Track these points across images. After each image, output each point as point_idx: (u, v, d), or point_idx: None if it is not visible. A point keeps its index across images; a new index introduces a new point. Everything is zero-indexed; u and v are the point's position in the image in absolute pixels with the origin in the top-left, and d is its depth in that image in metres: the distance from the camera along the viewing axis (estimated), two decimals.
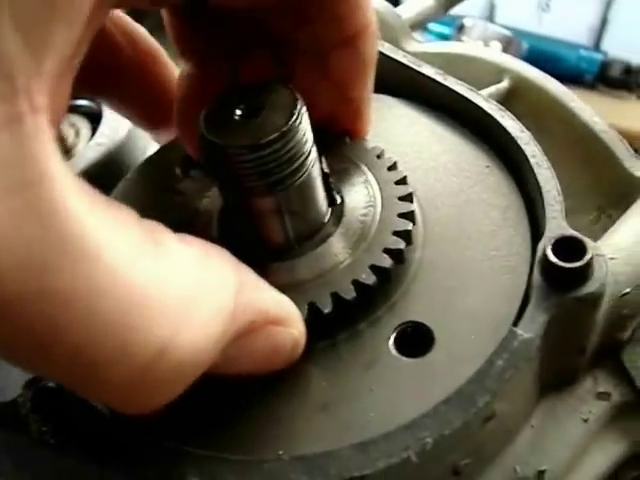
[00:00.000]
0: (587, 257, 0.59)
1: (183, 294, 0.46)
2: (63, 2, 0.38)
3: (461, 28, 2.23)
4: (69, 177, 0.41)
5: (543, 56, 2.34)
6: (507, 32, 2.20)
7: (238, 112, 0.60)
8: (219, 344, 0.48)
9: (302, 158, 0.60)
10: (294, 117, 0.58)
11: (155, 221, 0.49)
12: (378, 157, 0.72)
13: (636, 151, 0.86)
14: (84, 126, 1.01)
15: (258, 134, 0.58)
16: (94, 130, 1.00)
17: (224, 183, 0.63)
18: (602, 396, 0.70)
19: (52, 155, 0.39)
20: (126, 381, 0.43)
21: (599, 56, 2.37)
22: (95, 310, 0.40)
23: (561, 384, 0.69)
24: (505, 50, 2.21)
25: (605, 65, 2.36)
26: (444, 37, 2.31)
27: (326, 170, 0.66)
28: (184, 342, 0.45)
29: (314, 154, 0.62)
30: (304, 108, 0.60)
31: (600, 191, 0.84)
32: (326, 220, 0.67)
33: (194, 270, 0.48)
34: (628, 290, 0.68)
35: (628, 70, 2.44)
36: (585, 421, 0.68)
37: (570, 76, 2.33)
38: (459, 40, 2.25)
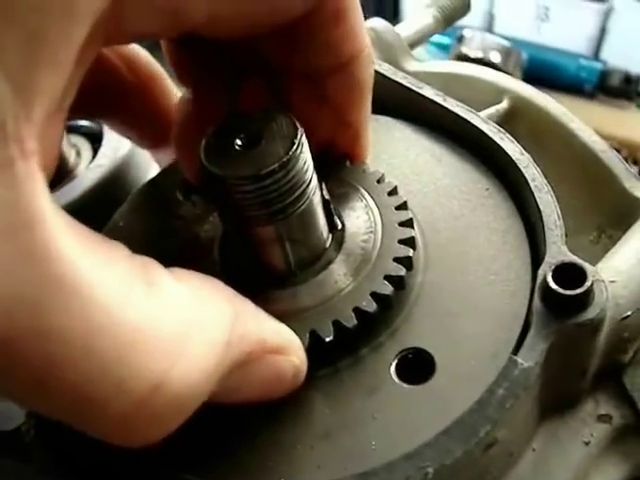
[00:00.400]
0: (587, 284, 0.59)
1: (176, 330, 0.46)
2: (49, 48, 0.39)
3: (460, 39, 2.23)
4: (60, 219, 0.42)
5: (542, 66, 2.35)
6: (506, 42, 2.20)
7: (238, 142, 0.60)
8: (214, 377, 0.49)
9: (303, 187, 0.60)
10: (294, 146, 0.58)
11: (147, 257, 0.50)
12: (378, 182, 0.72)
13: (635, 162, 0.87)
14: (85, 147, 1.02)
15: (259, 164, 0.58)
16: (95, 150, 1.01)
17: (224, 212, 0.64)
18: (603, 419, 0.70)
19: (43, 198, 0.40)
20: (122, 416, 0.44)
21: (598, 65, 2.37)
22: (90, 348, 0.41)
23: (562, 407, 0.69)
24: (505, 60, 2.22)
25: (604, 74, 2.36)
26: (443, 47, 2.31)
27: (327, 196, 0.66)
28: (178, 376, 0.46)
29: (315, 181, 0.62)
30: (304, 136, 0.60)
31: (600, 211, 0.84)
32: (327, 246, 0.68)
33: (187, 306, 0.49)
34: (629, 313, 0.68)
35: (628, 79, 2.44)
36: (587, 444, 0.68)
37: (570, 86, 2.34)
38: (458, 51, 2.24)
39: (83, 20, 0.42)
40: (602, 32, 2.38)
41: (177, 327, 0.47)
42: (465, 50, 2.24)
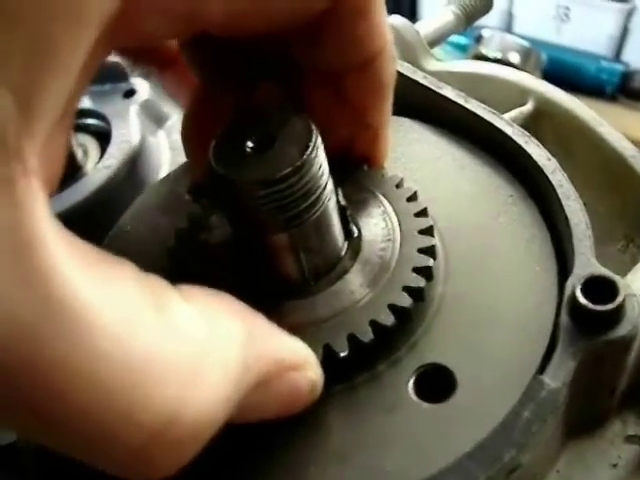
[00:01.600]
0: (619, 299, 0.56)
1: (188, 356, 0.43)
2: (55, 54, 0.36)
3: (479, 39, 2.19)
4: (62, 239, 0.39)
5: (562, 67, 2.30)
6: (526, 43, 2.16)
7: (250, 144, 0.57)
8: (231, 402, 0.46)
9: (318, 192, 0.57)
10: (309, 149, 0.55)
11: (155, 275, 0.46)
12: (397, 187, 0.69)
13: None
14: (92, 146, 1.00)
15: (272, 168, 0.54)
16: (102, 149, 0.98)
17: (234, 218, 0.60)
18: (632, 439, 0.66)
19: (44, 219, 0.37)
20: (134, 449, 0.41)
21: (620, 67, 2.32)
22: (96, 378, 0.38)
23: (589, 427, 0.65)
24: (524, 61, 2.18)
25: (626, 76, 2.32)
26: (461, 47, 2.28)
27: (342, 202, 0.63)
28: (194, 406, 0.42)
29: (330, 187, 0.59)
30: (319, 139, 0.57)
31: (628, 219, 0.81)
32: (343, 254, 0.64)
33: (198, 330, 0.45)
34: None
35: None
36: (614, 466, 0.65)
37: (590, 87, 2.29)
38: (477, 51, 2.21)
39: (92, 23, 0.38)
40: (624, 33, 2.33)
41: (189, 353, 0.43)
42: (483, 50, 2.20)
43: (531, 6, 2.49)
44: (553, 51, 2.34)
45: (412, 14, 2.71)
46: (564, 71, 2.34)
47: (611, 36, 2.36)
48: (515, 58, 2.16)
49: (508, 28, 2.50)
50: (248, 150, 0.56)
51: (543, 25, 2.45)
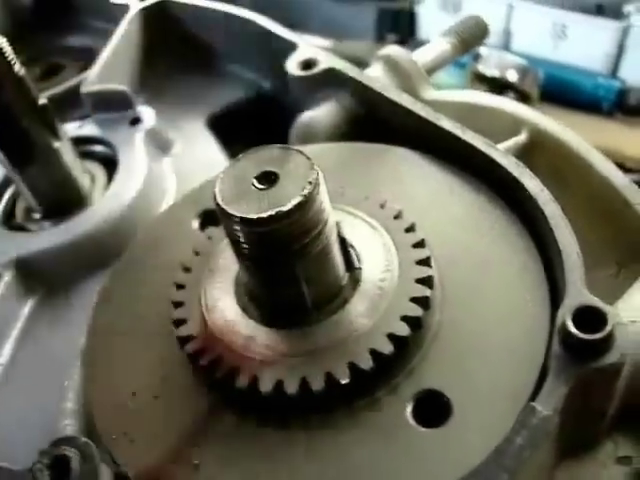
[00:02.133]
0: (608, 328, 0.58)
1: None
2: None
3: (477, 57, 2.21)
4: None
5: (560, 84, 2.33)
6: (523, 61, 2.18)
7: (254, 181, 0.59)
8: None
9: (320, 227, 0.60)
10: (311, 187, 0.58)
11: None
12: (395, 218, 0.71)
13: None
14: (99, 173, 1.02)
15: (275, 205, 0.57)
16: (109, 176, 1.00)
17: (239, 250, 0.63)
18: (623, 461, 0.68)
19: None
20: None
21: (616, 84, 2.34)
22: None
23: (581, 449, 0.68)
24: (521, 79, 2.20)
25: (623, 93, 2.33)
26: (460, 65, 2.30)
27: (343, 235, 0.66)
28: None
29: (332, 221, 0.62)
30: (321, 176, 0.59)
31: (620, 246, 0.83)
32: (343, 284, 0.67)
33: None
34: None
35: None
36: None
37: (587, 104, 2.31)
38: (475, 69, 2.23)
39: None
40: (620, 50, 2.35)
41: None
42: (482, 68, 2.23)
43: (528, 24, 2.51)
44: (550, 68, 2.36)
45: (410, 32, 2.73)
46: (561, 88, 2.36)
47: (608, 53, 2.38)
48: (513, 76, 2.18)
49: (506, 45, 2.52)
50: (253, 187, 0.59)
51: (540, 42, 2.47)
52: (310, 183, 0.58)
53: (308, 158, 0.60)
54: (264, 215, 0.57)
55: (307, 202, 0.57)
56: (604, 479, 0.67)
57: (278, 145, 0.62)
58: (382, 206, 0.73)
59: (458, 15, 2.55)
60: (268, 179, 0.59)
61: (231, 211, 0.58)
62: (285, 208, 0.57)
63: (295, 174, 0.59)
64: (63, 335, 0.85)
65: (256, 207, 0.57)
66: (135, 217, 0.92)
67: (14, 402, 0.80)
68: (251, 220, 0.57)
